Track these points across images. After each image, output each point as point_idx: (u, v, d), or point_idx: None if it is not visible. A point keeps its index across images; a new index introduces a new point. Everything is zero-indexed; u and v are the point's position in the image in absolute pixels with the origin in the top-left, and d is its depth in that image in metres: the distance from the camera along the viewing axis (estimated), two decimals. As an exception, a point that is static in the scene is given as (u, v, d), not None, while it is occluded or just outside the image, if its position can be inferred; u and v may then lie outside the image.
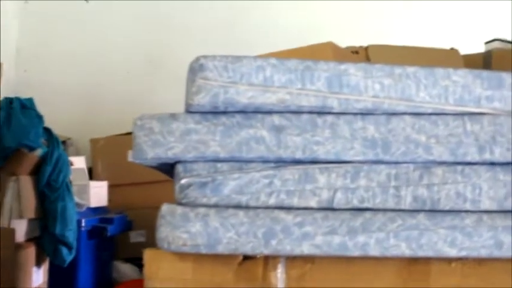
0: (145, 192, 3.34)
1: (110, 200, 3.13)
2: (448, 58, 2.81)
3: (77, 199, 2.55)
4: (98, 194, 3.02)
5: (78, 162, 2.94)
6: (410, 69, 1.88)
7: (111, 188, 3.15)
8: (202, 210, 1.86)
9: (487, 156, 1.86)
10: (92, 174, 3.35)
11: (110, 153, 3.41)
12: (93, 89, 3.95)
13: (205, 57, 1.86)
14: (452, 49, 2.94)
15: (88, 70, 3.95)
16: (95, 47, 3.96)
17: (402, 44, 2.88)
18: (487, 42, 3.16)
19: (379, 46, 2.78)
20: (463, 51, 3.10)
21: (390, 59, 2.66)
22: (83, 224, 2.80)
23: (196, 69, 1.86)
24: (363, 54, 2.74)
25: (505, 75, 1.92)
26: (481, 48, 3.20)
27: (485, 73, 1.91)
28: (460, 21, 4.02)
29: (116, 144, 3.35)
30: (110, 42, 3.97)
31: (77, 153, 3.45)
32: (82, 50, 3.95)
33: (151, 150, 1.88)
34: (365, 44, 2.85)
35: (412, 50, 2.78)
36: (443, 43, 3.20)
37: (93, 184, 3.00)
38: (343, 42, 2.94)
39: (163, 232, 1.87)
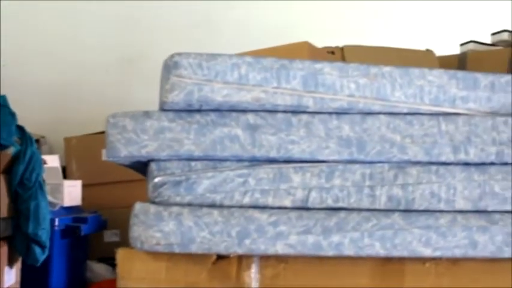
0: (119, 192, 3.32)
1: (83, 199, 3.10)
2: (423, 59, 2.82)
3: (50, 198, 2.52)
4: (71, 193, 2.99)
5: (52, 161, 2.90)
6: (386, 69, 1.88)
7: (85, 187, 3.12)
8: (175, 209, 1.85)
9: (461, 157, 1.86)
10: (65, 173, 3.32)
11: (84, 152, 3.37)
12: (68, 88, 3.91)
13: (179, 54, 1.84)
14: (427, 50, 2.94)
15: (62, 68, 3.91)
16: (70, 45, 3.93)
17: (378, 45, 2.87)
18: (462, 44, 3.17)
19: (355, 46, 2.78)
20: (439, 52, 3.11)
21: (366, 59, 2.65)
22: (56, 223, 2.76)
23: (170, 66, 1.84)
24: (338, 55, 2.74)
25: (480, 76, 1.92)
26: (456, 50, 3.21)
27: (460, 73, 1.92)
28: (436, 23, 4.03)
29: (90, 143, 3.32)
30: (86, 40, 3.93)
31: (51, 152, 3.42)
32: (56, 48, 3.91)
33: (125, 148, 1.86)
34: (342, 44, 2.84)
35: (387, 50, 2.79)
36: (419, 44, 3.20)
37: (67, 183, 2.96)
38: (320, 42, 2.94)
39: (136, 231, 1.86)
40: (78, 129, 3.52)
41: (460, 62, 2.98)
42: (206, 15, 3.93)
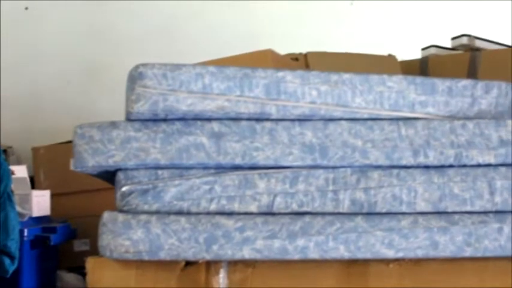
0: (88, 200, 3.32)
1: (52, 209, 3.10)
2: (385, 64, 2.87)
3: (18, 209, 2.53)
4: (40, 203, 3.00)
5: (20, 172, 2.91)
6: (346, 76, 1.93)
7: (54, 196, 3.12)
8: (143, 217, 1.87)
9: (421, 160, 1.91)
10: (33, 183, 3.32)
11: (52, 162, 3.37)
12: (33, 98, 3.91)
13: (144, 65, 1.88)
14: (389, 55, 2.99)
15: (27, 79, 3.91)
16: (34, 56, 3.93)
17: (341, 51, 2.91)
18: (423, 49, 3.23)
19: (318, 53, 2.82)
20: (402, 57, 3.16)
21: (329, 65, 2.71)
22: (26, 234, 2.77)
23: (135, 77, 1.87)
24: (302, 61, 2.78)
25: (438, 81, 1.97)
26: (418, 55, 3.26)
27: (419, 79, 1.97)
28: (398, 28, 4.09)
29: (58, 153, 3.32)
30: (49, 51, 3.94)
31: (19, 162, 3.41)
32: (21, 59, 3.91)
33: (92, 158, 1.89)
34: (305, 51, 2.88)
35: (350, 56, 2.84)
36: (382, 49, 3.25)
37: (35, 193, 2.97)
38: (286, 49, 2.98)
39: (105, 240, 1.88)
40: (45, 139, 3.52)
41: (422, 66, 3.03)
42: (169, 24, 3.95)
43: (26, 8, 3.93)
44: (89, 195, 3.34)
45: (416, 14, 4.13)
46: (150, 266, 1.93)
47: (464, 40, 3.08)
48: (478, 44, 3.05)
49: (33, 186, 3.17)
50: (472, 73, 2.84)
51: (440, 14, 4.10)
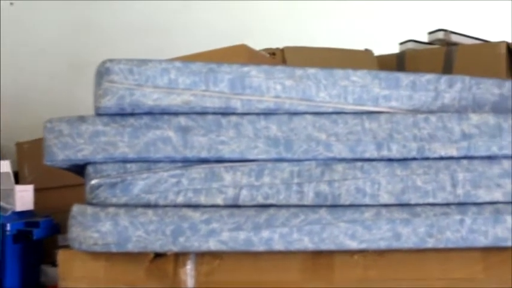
0: (72, 195, 3.30)
1: (36, 203, 3.12)
2: (362, 59, 2.90)
3: (2, 203, 2.56)
4: (23, 197, 3.02)
5: (4, 167, 2.94)
6: (311, 71, 1.96)
7: (38, 191, 3.15)
8: (112, 209, 1.91)
9: (384, 153, 1.93)
10: (18, 178, 3.35)
11: (36, 157, 3.37)
12: (18, 93, 3.95)
13: (111, 60, 1.91)
14: (366, 50, 3.02)
15: (11, 73, 3.94)
16: (17, 50, 3.96)
17: (319, 46, 2.94)
18: (401, 43, 3.26)
19: (295, 48, 2.85)
20: (381, 51, 3.19)
21: (306, 60, 2.75)
22: (8, 228, 2.80)
23: (102, 72, 1.91)
24: (279, 56, 2.81)
25: (402, 76, 2.00)
26: (397, 49, 3.29)
27: (383, 74, 1.99)
28: (380, 22, 4.12)
29: (42, 148, 3.34)
30: (33, 46, 3.97)
31: (2, 158, 3.44)
32: (4, 55, 3.94)
33: (61, 152, 1.92)
34: (282, 46, 2.91)
35: (327, 51, 2.86)
36: (365, 44, 3.28)
37: (19, 188, 3.00)
38: (268, 45, 3.01)
39: (75, 232, 1.92)
40: (29, 134, 3.55)
41: (399, 61, 3.06)
42: (152, 20, 3.98)
43: (11, 4, 3.96)
44: (73, 190, 3.33)
45: (398, 9, 4.16)
46: (119, 258, 1.97)
47: (441, 35, 3.11)
48: (454, 38, 3.08)
49: (17, 182, 3.20)
50: (447, 67, 2.87)
51: (423, 9, 4.13)
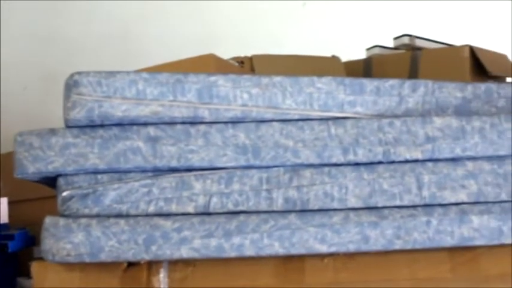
0: (47, 207, 3.33)
1: (11, 216, 3.13)
2: (329, 65, 2.93)
3: (-25, 217, 2.57)
4: (-3, 211, 3.03)
5: (-23, 180, 2.94)
6: (277, 79, 1.99)
7: (13, 203, 3.15)
8: (84, 220, 1.93)
9: (351, 158, 1.97)
10: (-8, 191, 3.34)
11: (10, 170, 3.39)
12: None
13: (79, 73, 1.93)
14: (333, 56, 3.05)
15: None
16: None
17: (287, 53, 2.98)
18: (368, 49, 3.30)
19: (263, 56, 2.88)
20: (355, 57, 3.23)
21: (274, 68, 2.78)
22: (-17, 242, 2.81)
23: (71, 85, 1.93)
24: (248, 64, 2.84)
25: (366, 81, 2.04)
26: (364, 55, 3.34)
27: (347, 80, 2.03)
28: (351, 28, 4.17)
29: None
30: (5, 57, 3.97)
31: (-24, 171, 3.45)
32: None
33: (32, 165, 1.94)
34: (251, 54, 2.94)
35: (295, 58, 2.89)
36: (335, 50, 3.31)
37: (-7, 201, 3.01)
38: (239, 50, 3.04)
39: (47, 244, 1.94)
40: (3, 146, 3.56)
41: (366, 67, 3.10)
42: (124, 29, 4.00)
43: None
44: (48, 202, 3.35)
45: (369, 14, 4.20)
46: (93, 268, 1.99)
47: (406, 40, 3.15)
48: (419, 43, 3.12)
49: (-9, 194, 3.20)
50: (413, 71, 2.91)
51: (393, 13, 4.18)
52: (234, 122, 1.98)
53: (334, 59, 3.04)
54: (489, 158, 2.02)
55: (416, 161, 2.00)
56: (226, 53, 2.94)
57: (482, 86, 2.12)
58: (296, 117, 1.99)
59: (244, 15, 4.13)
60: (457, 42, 3.05)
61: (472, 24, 4.18)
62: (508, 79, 3.06)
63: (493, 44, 3.14)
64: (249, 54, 2.94)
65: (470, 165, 2.01)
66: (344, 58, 3.18)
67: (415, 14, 4.13)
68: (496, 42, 3.26)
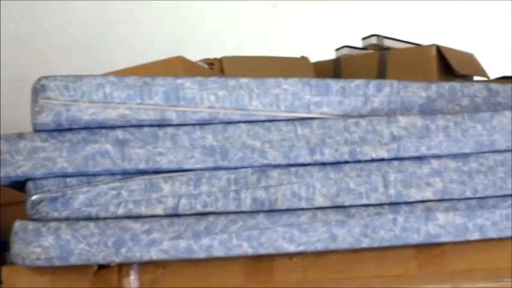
0: (19, 212, 3.33)
1: (-17, 222, 3.12)
2: (298, 66, 2.95)
3: None
4: (-32, 216, 3.02)
5: None
6: (243, 80, 2.01)
7: (-16, 209, 3.14)
8: (53, 224, 1.93)
9: (317, 157, 1.99)
10: (-37, 198, 3.33)
11: (-19, 175, 3.38)
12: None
13: (46, 77, 1.94)
14: (302, 57, 3.08)
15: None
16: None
17: (257, 54, 2.99)
18: (337, 49, 3.33)
19: (233, 57, 2.89)
20: (319, 58, 3.25)
21: (244, 69, 2.80)
22: (-46, 248, 2.80)
23: (38, 89, 1.94)
24: (217, 66, 2.86)
25: (332, 82, 2.07)
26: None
27: (313, 81, 2.05)
28: (322, 28, 4.20)
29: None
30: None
31: None
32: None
33: (1, 169, 1.94)
34: (220, 56, 2.95)
35: (264, 59, 2.91)
36: (307, 50, 3.34)
37: (-37, 207, 2.99)
38: (210, 52, 3.06)
39: (17, 248, 1.94)
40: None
41: (335, 67, 3.13)
42: (94, 33, 4.00)
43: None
44: (21, 207, 3.35)
45: (340, 15, 4.23)
46: (63, 272, 1.99)
47: (374, 40, 3.19)
48: (387, 43, 3.15)
49: (-36, 201, 3.19)
50: (381, 71, 2.95)
51: (364, 14, 4.21)
52: (202, 124, 1.99)
53: (303, 59, 3.06)
54: (454, 156, 2.06)
55: (382, 160, 2.03)
56: (197, 55, 2.96)
57: (446, 85, 2.15)
58: (263, 118, 2.01)
59: (215, 17, 4.14)
60: (425, 41, 3.08)
61: (440, 24, 4.22)
62: (476, 78, 3.09)
63: (459, 42, 3.18)
64: (218, 56, 2.95)
65: (435, 163, 2.04)
66: (316, 58, 3.21)
67: (385, 14, 4.17)
68: (460, 41, 3.30)
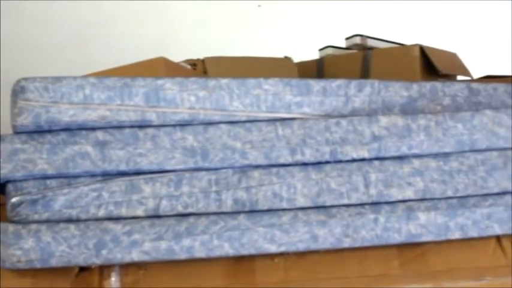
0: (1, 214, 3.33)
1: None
2: (282, 66, 2.95)
3: None
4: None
5: None
6: (224, 81, 2.01)
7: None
8: (34, 226, 1.92)
9: (298, 158, 1.99)
10: None
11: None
12: None
13: (25, 79, 1.93)
14: (286, 57, 3.08)
15: None
16: None
17: (240, 55, 2.99)
18: (320, 49, 3.33)
19: (216, 58, 2.89)
20: (304, 58, 3.26)
21: (227, 70, 2.79)
22: None
23: (18, 91, 1.93)
24: (200, 67, 2.85)
25: (313, 82, 2.07)
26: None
27: (294, 81, 2.05)
28: (307, 29, 4.20)
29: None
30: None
31: None
32: None
33: (-20, 172, 1.93)
34: (203, 57, 2.95)
35: (247, 60, 2.91)
36: (291, 51, 3.33)
37: None
38: (195, 54, 3.05)
39: (-3, 251, 1.93)
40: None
41: (318, 67, 3.13)
42: (78, 34, 3.99)
43: None
44: (1, 209, 3.34)
45: (326, 15, 4.23)
46: (45, 274, 1.98)
47: (357, 40, 3.19)
48: (370, 43, 3.16)
49: None
50: (365, 71, 2.95)
51: (351, 14, 4.22)
52: (182, 124, 1.99)
53: (287, 60, 3.06)
54: (435, 156, 2.06)
55: (363, 159, 2.03)
56: (182, 56, 2.96)
57: (428, 85, 2.15)
58: (243, 118, 2.01)
59: (200, 17, 4.14)
60: (408, 41, 3.09)
61: (423, 23, 4.24)
62: (459, 77, 3.10)
63: (443, 42, 3.19)
64: (203, 56, 2.95)
65: (416, 162, 2.04)
66: (301, 59, 3.21)
67: (372, 14, 4.18)
68: (444, 41, 3.31)
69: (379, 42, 3.18)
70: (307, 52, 3.34)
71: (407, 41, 3.11)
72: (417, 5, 4.26)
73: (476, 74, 3.03)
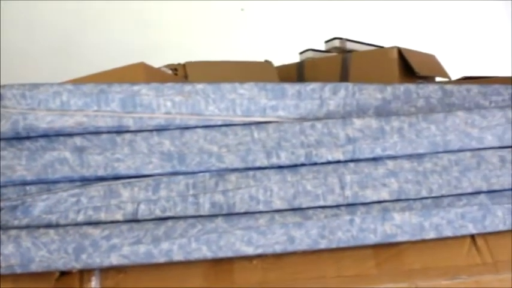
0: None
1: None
2: (262, 70, 2.98)
3: None
4: None
5: None
6: (199, 86, 2.03)
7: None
8: (14, 232, 1.94)
9: (274, 161, 2.02)
10: None
11: None
12: None
13: (3, 86, 1.96)
14: (266, 61, 3.11)
15: None
16: None
17: (220, 59, 3.02)
18: (301, 52, 3.36)
19: (196, 63, 2.92)
20: (284, 61, 3.28)
21: (207, 74, 2.82)
22: None
23: (-5, 98, 1.95)
24: (181, 72, 2.88)
25: (288, 86, 2.09)
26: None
27: (269, 85, 2.08)
28: (290, 32, 4.23)
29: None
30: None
31: None
32: None
33: (-40, 178, 1.96)
34: (183, 61, 2.98)
35: (228, 64, 2.93)
36: (275, 55, 3.36)
37: None
38: (180, 58, 3.08)
39: (-22, 256, 1.95)
40: None
41: (299, 70, 3.16)
42: (64, 41, 4.01)
43: None
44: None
45: (309, 18, 4.26)
46: (25, 279, 2.00)
47: (337, 43, 3.22)
48: (349, 45, 3.19)
49: None
50: (344, 74, 2.98)
51: (335, 16, 4.25)
52: (159, 129, 2.02)
53: (267, 63, 3.09)
54: (409, 157, 2.09)
55: (338, 161, 2.06)
56: (167, 61, 2.99)
57: (402, 87, 2.18)
58: (219, 123, 2.04)
59: (184, 22, 4.16)
60: (387, 43, 3.12)
61: (403, 25, 4.27)
62: (438, 79, 3.14)
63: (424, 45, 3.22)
64: (187, 60, 2.98)
65: (390, 164, 2.07)
66: (284, 62, 3.23)
67: (357, 17, 4.20)
68: (423, 43, 3.34)
69: (358, 45, 3.21)
70: (290, 55, 3.36)
71: (398, 43, 3.13)
72: (405, 6, 4.28)
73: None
